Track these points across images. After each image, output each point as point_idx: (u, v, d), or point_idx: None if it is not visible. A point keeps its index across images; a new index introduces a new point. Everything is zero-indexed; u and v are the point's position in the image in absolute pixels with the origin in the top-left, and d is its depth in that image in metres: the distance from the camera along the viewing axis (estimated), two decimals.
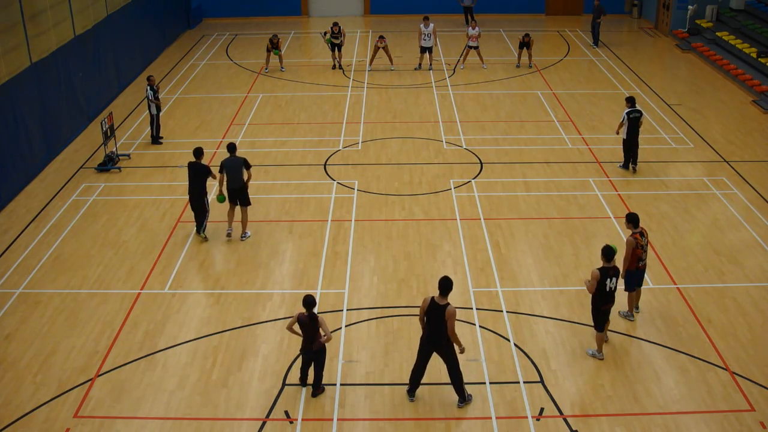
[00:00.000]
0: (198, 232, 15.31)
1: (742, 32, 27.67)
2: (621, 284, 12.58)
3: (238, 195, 15.15)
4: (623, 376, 11.47)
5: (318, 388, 11.11)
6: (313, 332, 10.78)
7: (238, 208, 15.38)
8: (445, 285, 10.39)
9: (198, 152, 15.12)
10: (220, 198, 15.06)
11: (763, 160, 19.02)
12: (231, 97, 24.13)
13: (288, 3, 35.30)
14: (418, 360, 10.81)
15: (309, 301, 10.69)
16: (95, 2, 22.97)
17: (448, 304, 10.39)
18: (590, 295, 11.75)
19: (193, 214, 15.40)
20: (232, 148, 15.19)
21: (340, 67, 26.79)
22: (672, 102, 23.25)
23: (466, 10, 33.16)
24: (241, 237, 15.37)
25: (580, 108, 22.70)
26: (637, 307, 12.89)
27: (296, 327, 11.02)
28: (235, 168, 14.97)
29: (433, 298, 10.46)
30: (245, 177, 15.04)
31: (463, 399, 10.86)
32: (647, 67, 26.99)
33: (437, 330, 10.46)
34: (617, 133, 18.20)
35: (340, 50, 26.74)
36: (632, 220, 12.43)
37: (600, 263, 11.63)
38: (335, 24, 26.59)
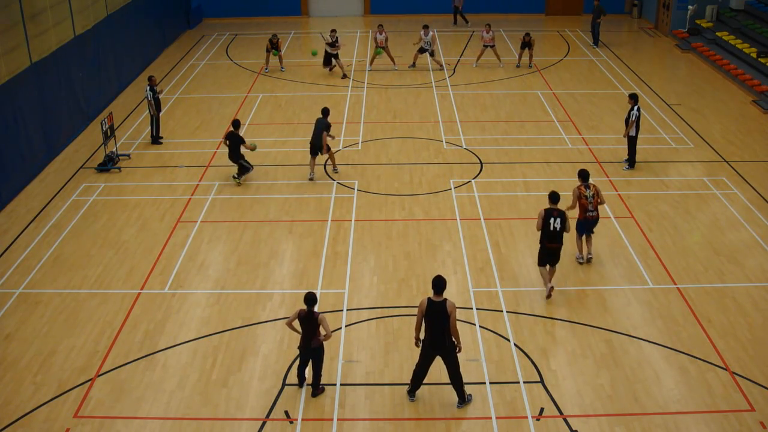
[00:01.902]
0: (238, 178, 17.83)
1: (742, 32, 27.67)
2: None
3: (315, 148, 17.87)
4: (623, 376, 11.47)
5: (317, 388, 11.11)
6: (313, 330, 10.78)
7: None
8: (439, 284, 10.38)
9: (236, 123, 17.92)
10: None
11: (763, 160, 19.02)
12: (231, 97, 24.13)
13: (288, 3, 35.30)
14: (420, 363, 10.77)
15: (310, 298, 10.70)
16: (95, 2, 22.97)
17: (446, 299, 10.38)
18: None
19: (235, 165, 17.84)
20: (326, 111, 18.13)
21: (331, 69, 26.30)
22: (672, 102, 23.25)
23: (455, 9, 33.22)
24: (333, 170, 18.32)
25: (580, 108, 22.70)
26: (590, 253, 14.41)
27: (296, 324, 11.02)
28: (318, 127, 17.75)
29: (429, 298, 10.43)
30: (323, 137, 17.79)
31: (463, 400, 10.87)
32: (647, 67, 27.00)
33: (440, 329, 10.41)
34: (635, 134, 17.92)
35: (335, 60, 25.80)
36: (580, 174, 14.17)
37: None
38: (333, 31, 25.80)
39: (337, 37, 25.77)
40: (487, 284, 13.84)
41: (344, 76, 26.26)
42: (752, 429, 10.45)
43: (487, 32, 26.47)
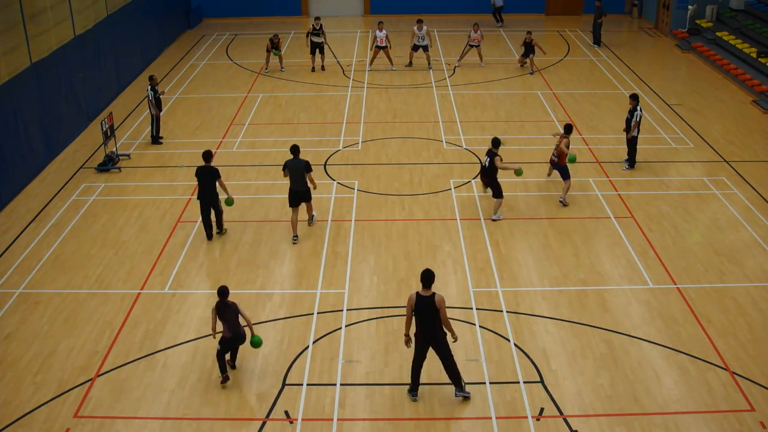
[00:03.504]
0: (219, 231, 15.47)
1: (742, 32, 27.67)
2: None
3: (301, 196, 15.11)
4: (623, 376, 11.47)
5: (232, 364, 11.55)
6: (234, 318, 11.13)
7: (302, 210, 15.54)
8: (427, 277, 10.45)
9: (207, 155, 15.04)
10: (228, 201, 15.17)
11: (763, 160, 19.02)
12: (231, 97, 24.13)
13: (288, 3, 35.31)
14: (416, 356, 10.85)
15: (220, 291, 11.12)
16: (95, 2, 22.98)
17: (435, 293, 10.45)
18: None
19: (201, 219, 15.31)
20: (295, 150, 15.04)
21: (323, 69, 26.51)
22: (672, 102, 23.25)
23: (496, 10, 33.04)
24: (308, 222, 15.79)
25: (580, 108, 22.70)
26: (561, 198, 16.67)
27: (219, 325, 11.27)
28: (297, 170, 14.89)
29: (418, 293, 10.50)
30: (308, 181, 15.02)
31: (461, 388, 10.93)
32: (647, 67, 26.99)
33: (429, 323, 10.52)
34: (636, 134, 18.02)
35: (322, 52, 26.18)
36: (565, 127, 16.79)
37: None
38: (317, 19, 26.16)
39: (321, 25, 25.81)
40: (487, 284, 13.84)
41: (323, 68, 26.46)
42: (752, 429, 10.45)
43: (476, 32, 26.44)
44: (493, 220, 15.96)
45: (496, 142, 15.61)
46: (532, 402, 10.96)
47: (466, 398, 10.96)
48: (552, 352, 12.02)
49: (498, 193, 15.89)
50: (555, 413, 10.77)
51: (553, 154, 16.83)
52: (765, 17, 27.41)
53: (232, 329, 11.13)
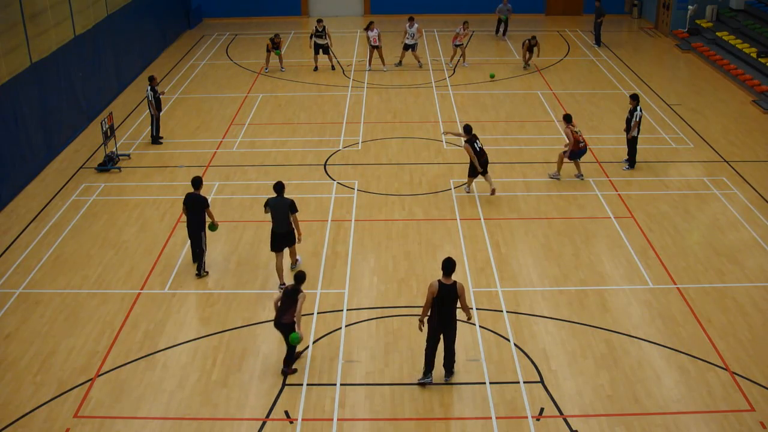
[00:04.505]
0: (198, 273, 14.13)
1: (742, 32, 27.68)
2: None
3: (284, 239, 13.57)
4: (623, 376, 11.47)
5: (288, 366, 11.51)
6: (289, 305, 11.18)
7: (286, 253, 13.96)
8: (449, 266, 10.83)
9: (197, 182, 13.90)
10: (212, 227, 14.05)
11: (763, 160, 19.02)
12: (231, 97, 24.13)
13: (288, 3, 35.30)
14: (430, 344, 11.09)
15: (298, 276, 11.35)
16: (95, 2, 22.98)
17: (456, 281, 10.80)
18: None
19: (190, 247, 14.40)
20: (279, 188, 13.39)
21: (332, 68, 26.61)
22: (672, 102, 23.25)
23: (502, 21, 32.23)
24: (291, 267, 14.25)
25: (580, 108, 22.69)
26: (581, 174, 17.80)
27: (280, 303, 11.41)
28: (281, 209, 13.35)
29: (439, 281, 10.79)
30: (292, 223, 13.44)
31: (451, 374, 11.30)
32: (647, 67, 26.99)
33: (448, 311, 10.84)
34: (636, 134, 18.03)
35: (326, 53, 26.20)
36: (565, 118, 17.66)
37: None
38: (319, 21, 26.23)
39: (324, 27, 25.84)
40: (487, 284, 13.84)
41: (332, 68, 26.51)
42: (752, 429, 10.45)
43: (464, 29, 26.43)
44: (494, 192, 16.86)
45: (470, 127, 16.82)
46: (532, 402, 10.96)
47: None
48: (552, 352, 12.02)
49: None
50: (555, 413, 10.77)
51: (579, 141, 17.28)
52: (765, 17, 27.41)
53: (278, 315, 11.31)
